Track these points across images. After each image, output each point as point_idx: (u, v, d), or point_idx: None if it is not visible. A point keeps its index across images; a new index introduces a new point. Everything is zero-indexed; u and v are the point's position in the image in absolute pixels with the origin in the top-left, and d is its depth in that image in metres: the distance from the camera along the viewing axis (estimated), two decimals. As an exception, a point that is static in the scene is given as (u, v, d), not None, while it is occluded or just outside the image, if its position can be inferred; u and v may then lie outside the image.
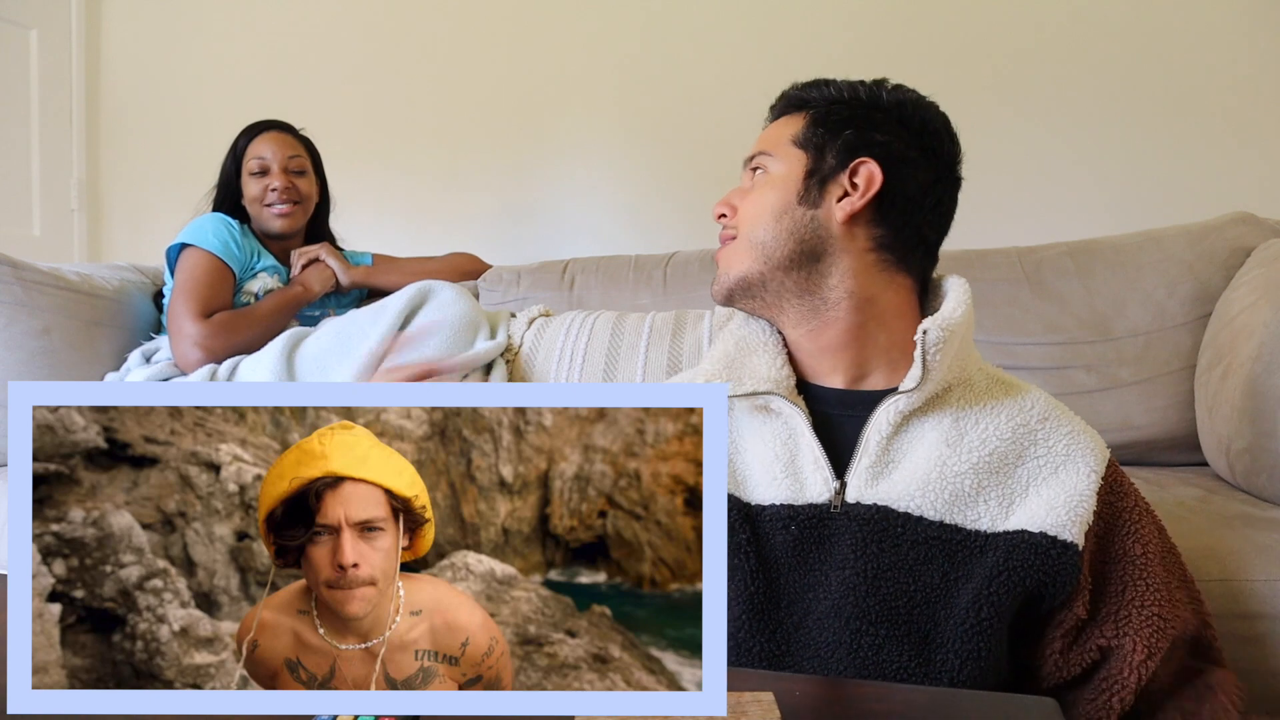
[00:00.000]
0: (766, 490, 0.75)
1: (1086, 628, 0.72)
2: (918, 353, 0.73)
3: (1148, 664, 0.70)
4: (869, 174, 0.77)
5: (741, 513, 0.75)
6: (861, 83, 0.81)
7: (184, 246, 1.59)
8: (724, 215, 0.84)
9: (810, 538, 0.72)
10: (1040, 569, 0.69)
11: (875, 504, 0.72)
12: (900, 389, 0.74)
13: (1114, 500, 0.74)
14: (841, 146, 0.78)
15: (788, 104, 0.84)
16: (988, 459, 0.72)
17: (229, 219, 1.64)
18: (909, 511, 0.71)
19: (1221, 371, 1.29)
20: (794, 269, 0.78)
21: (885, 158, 0.77)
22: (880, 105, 0.79)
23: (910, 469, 0.73)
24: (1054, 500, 0.71)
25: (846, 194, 0.77)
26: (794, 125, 0.81)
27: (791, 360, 0.82)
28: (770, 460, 0.76)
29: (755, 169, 0.83)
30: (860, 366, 0.79)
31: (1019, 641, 0.72)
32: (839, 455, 0.75)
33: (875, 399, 0.76)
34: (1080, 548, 0.70)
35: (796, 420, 0.76)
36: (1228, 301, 1.38)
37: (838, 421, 0.77)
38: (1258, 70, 1.88)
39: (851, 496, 0.73)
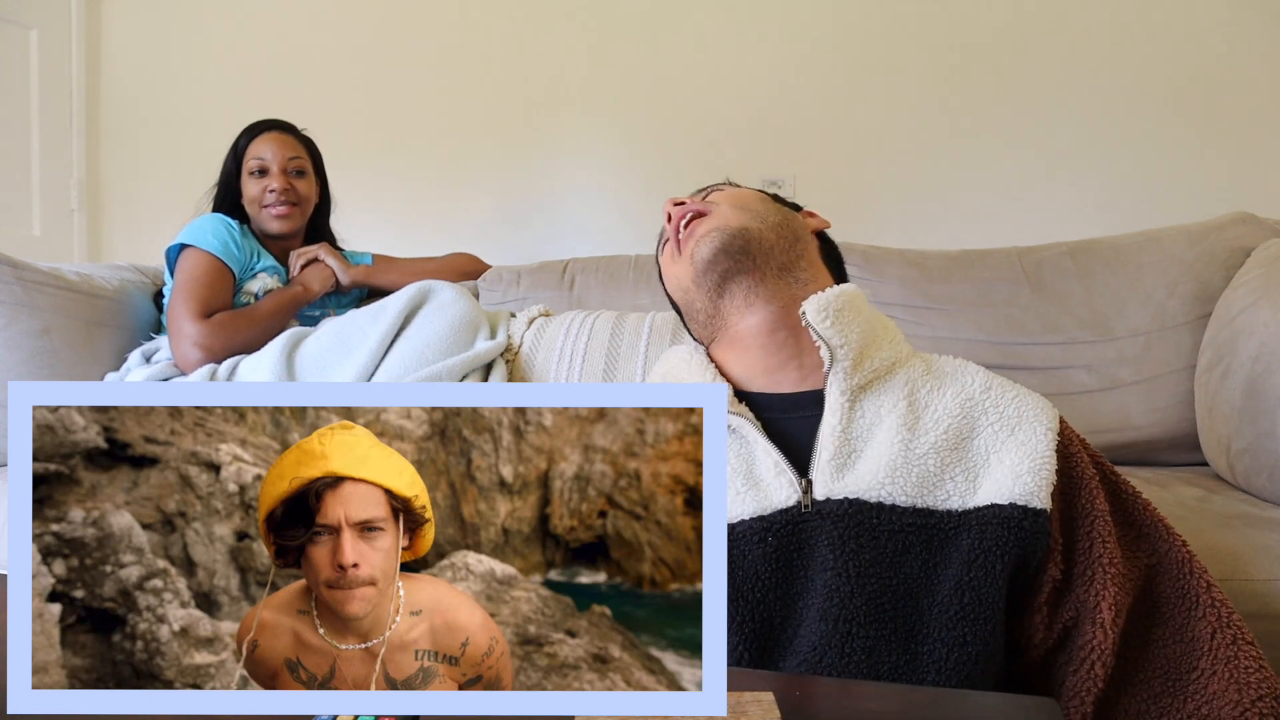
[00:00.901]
0: (731, 507, 0.72)
1: (1063, 589, 0.72)
2: (811, 331, 0.76)
3: (1116, 622, 0.70)
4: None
5: None
6: None
7: (183, 247, 1.59)
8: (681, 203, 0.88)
9: (788, 545, 0.71)
10: (1016, 542, 0.69)
11: (846, 498, 0.70)
12: (827, 374, 0.75)
13: (1070, 455, 0.75)
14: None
15: None
16: (944, 437, 0.73)
17: (228, 219, 1.64)
18: (881, 501, 0.70)
19: (1221, 371, 1.29)
20: (779, 240, 0.82)
21: None
22: None
23: (874, 457, 0.72)
24: (1018, 466, 0.71)
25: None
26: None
27: (725, 377, 0.82)
28: (729, 475, 0.73)
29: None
30: (809, 355, 0.79)
31: (1009, 617, 0.72)
32: (796, 457, 0.74)
33: (806, 399, 0.76)
34: (1049, 511, 0.70)
35: (745, 428, 0.75)
36: (1228, 301, 1.38)
37: (788, 424, 0.76)
38: (1258, 70, 1.88)
39: (820, 494, 0.71)
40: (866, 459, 0.72)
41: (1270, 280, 1.30)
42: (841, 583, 0.68)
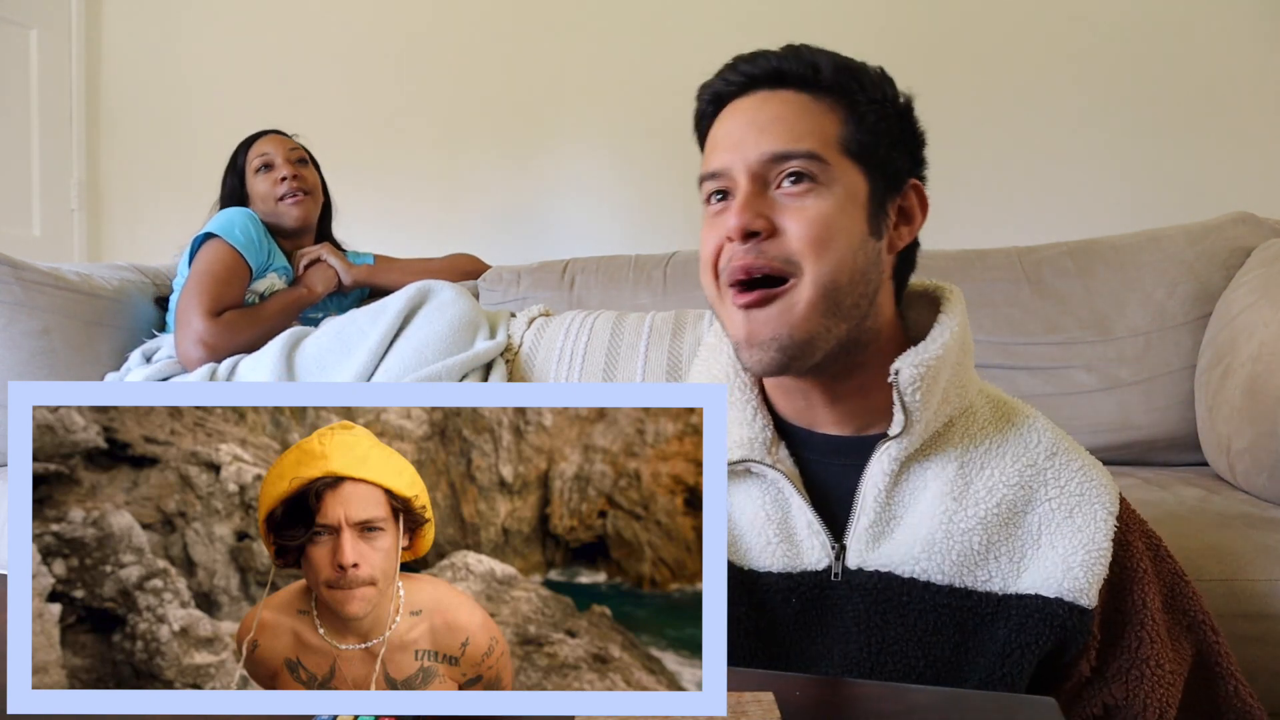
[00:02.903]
0: (761, 556, 0.67)
1: (1091, 684, 0.66)
2: (895, 395, 0.64)
3: None
4: (921, 200, 0.69)
5: (738, 580, 0.67)
6: (883, 75, 0.69)
7: (209, 236, 1.59)
8: (755, 235, 0.63)
9: (812, 609, 0.66)
10: (1055, 640, 0.63)
11: (878, 570, 0.65)
12: (889, 434, 0.66)
13: (1128, 545, 0.67)
14: (896, 165, 0.67)
15: (798, 77, 0.67)
16: (995, 510, 0.65)
17: (255, 215, 1.64)
18: (915, 577, 0.64)
19: (1222, 371, 1.29)
20: (855, 321, 0.65)
21: (919, 176, 0.69)
22: (910, 113, 0.69)
23: (913, 526, 0.65)
24: (1070, 557, 0.63)
25: (896, 222, 0.68)
26: (827, 122, 0.65)
27: (767, 400, 0.72)
28: (762, 522, 0.67)
29: (795, 174, 0.64)
30: (871, 414, 0.68)
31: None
32: (833, 510, 0.68)
33: (867, 445, 0.67)
34: (1094, 610, 0.63)
35: (782, 484, 0.67)
36: (1228, 301, 1.38)
37: (829, 472, 0.69)
38: (1258, 70, 1.88)
39: (852, 562, 0.66)
40: (906, 527, 0.66)
41: (1270, 280, 1.30)
42: (863, 657, 0.65)
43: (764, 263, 0.63)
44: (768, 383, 0.72)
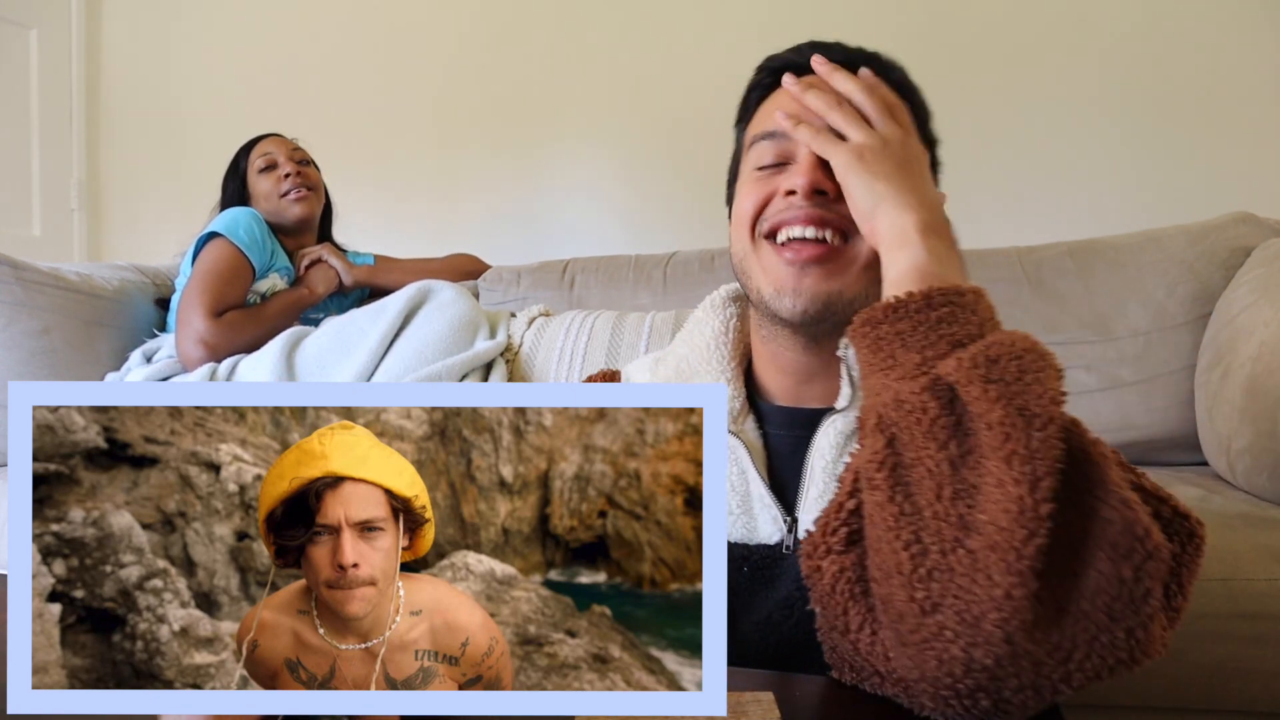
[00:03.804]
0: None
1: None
2: (843, 369, 0.66)
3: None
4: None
5: None
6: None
7: (213, 235, 1.59)
8: (823, 194, 0.65)
9: (760, 579, 0.67)
10: None
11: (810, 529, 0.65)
12: (836, 407, 0.67)
13: None
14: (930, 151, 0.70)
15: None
16: None
17: (259, 215, 1.64)
18: None
19: (1221, 371, 1.29)
20: (875, 293, 0.66)
21: None
22: (934, 148, 0.76)
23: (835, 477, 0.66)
24: None
25: None
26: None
27: (750, 375, 0.74)
28: (727, 494, 0.69)
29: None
30: (834, 379, 0.69)
31: None
32: (786, 481, 0.69)
33: (814, 417, 0.69)
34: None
35: (740, 453, 0.69)
36: (1228, 301, 1.38)
37: (785, 445, 0.70)
38: (1258, 70, 1.88)
39: (803, 533, 0.66)
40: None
41: (1270, 280, 1.30)
42: (802, 616, 0.64)
43: (834, 217, 0.65)
44: (759, 361, 0.74)
